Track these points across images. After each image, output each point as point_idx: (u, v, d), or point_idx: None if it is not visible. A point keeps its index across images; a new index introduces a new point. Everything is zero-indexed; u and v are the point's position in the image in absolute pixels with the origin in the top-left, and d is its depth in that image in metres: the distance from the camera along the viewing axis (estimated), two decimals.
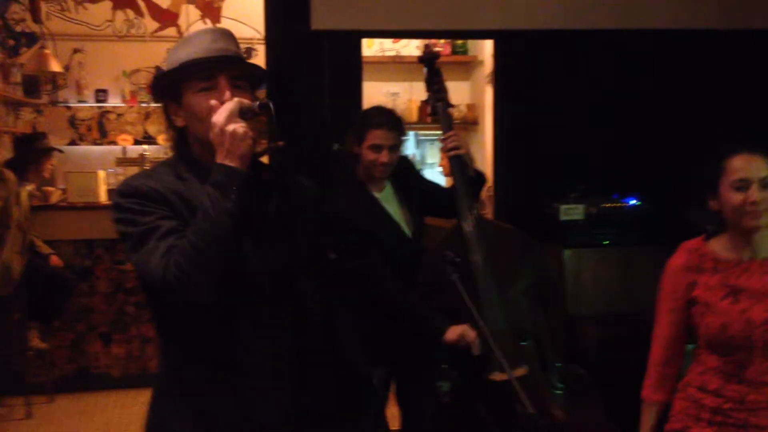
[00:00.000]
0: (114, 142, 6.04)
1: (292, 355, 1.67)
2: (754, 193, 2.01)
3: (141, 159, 5.49)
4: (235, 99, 1.53)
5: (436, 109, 2.90)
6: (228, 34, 1.69)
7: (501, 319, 2.49)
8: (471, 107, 6.29)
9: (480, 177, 2.90)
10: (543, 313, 2.65)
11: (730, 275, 2.08)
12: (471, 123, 6.20)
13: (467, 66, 6.37)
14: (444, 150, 2.83)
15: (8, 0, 5.25)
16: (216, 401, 1.62)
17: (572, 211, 3.71)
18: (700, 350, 2.14)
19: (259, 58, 6.26)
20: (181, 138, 1.68)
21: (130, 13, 4.64)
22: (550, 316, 2.68)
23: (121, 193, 1.59)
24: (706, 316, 2.07)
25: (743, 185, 2.03)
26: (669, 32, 4.00)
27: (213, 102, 1.56)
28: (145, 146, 5.70)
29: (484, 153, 5.86)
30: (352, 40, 3.87)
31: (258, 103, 1.54)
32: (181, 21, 4.92)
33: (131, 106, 6.29)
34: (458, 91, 6.18)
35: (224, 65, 1.61)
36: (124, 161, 5.61)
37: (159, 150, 5.89)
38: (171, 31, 5.00)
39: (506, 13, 3.98)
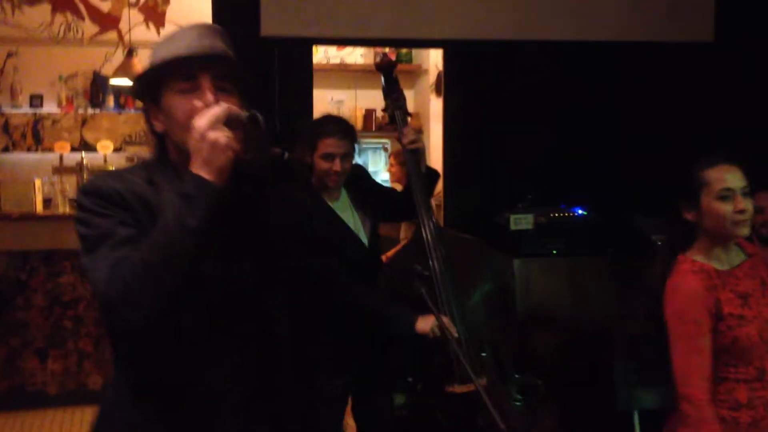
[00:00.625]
0: (50, 150, 5.83)
1: (253, 375, 1.57)
2: (741, 202, 2.04)
3: (79, 167, 5.30)
4: (224, 104, 1.40)
5: (395, 117, 2.91)
6: (217, 31, 1.55)
7: (460, 329, 2.48)
8: (415, 116, 6.30)
9: (433, 172, 2.98)
10: (501, 323, 2.65)
11: (731, 284, 2.11)
12: (415, 131, 6.20)
13: (411, 75, 6.38)
14: (403, 142, 2.85)
15: None
16: (171, 419, 1.52)
17: (522, 221, 3.73)
18: (721, 369, 2.12)
19: None
20: (160, 144, 1.55)
21: (69, 17, 4.49)
22: (508, 326, 2.68)
23: (83, 190, 1.47)
24: (743, 328, 2.08)
25: (728, 195, 2.06)
26: (616, 44, 4.07)
27: (197, 102, 1.44)
28: (83, 154, 5.51)
29: (429, 161, 5.86)
30: (303, 47, 3.82)
31: (247, 114, 1.41)
32: (122, 25, 4.78)
33: (67, 113, 6.10)
34: None
35: (207, 63, 1.47)
36: (61, 169, 5.42)
37: (97, 158, 5.72)
38: (111, 35, 4.85)
39: (456, 22, 3.99)
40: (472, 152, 4.09)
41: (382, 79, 2.95)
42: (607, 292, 3.60)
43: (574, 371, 3.31)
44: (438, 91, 5.80)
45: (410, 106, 6.24)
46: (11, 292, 4.70)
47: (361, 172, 2.96)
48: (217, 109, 1.38)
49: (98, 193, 1.44)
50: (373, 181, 3.03)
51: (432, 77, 6.01)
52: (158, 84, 1.50)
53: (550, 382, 2.86)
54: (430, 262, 2.57)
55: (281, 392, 1.62)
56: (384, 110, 2.99)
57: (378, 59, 3.04)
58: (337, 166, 2.68)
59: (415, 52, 6.31)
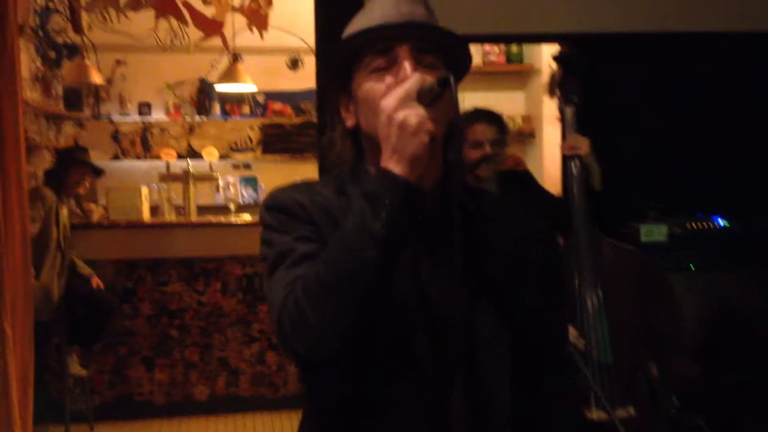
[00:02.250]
0: (157, 157, 5.85)
1: (459, 422, 1.18)
2: None
3: (185, 174, 5.27)
4: (416, 75, 1.11)
5: (564, 114, 2.79)
6: None
7: (608, 352, 2.20)
8: (526, 119, 5.99)
9: (606, 197, 2.76)
10: (658, 350, 2.35)
11: None
12: (527, 135, 5.90)
13: (522, 75, 6.07)
14: (564, 150, 2.68)
15: (49, 10, 5.08)
16: None
17: (654, 232, 3.37)
18: None
19: (307, 71, 6.09)
20: (354, 145, 1.27)
21: (174, 23, 4.43)
22: (668, 354, 2.38)
23: (265, 205, 1.25)
24: None
25: None
26: (749, 34, 3.66)
27: (388, 79, 1.16)
28: (189, 161, 5.49)
29: (541, 167, 5.54)
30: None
31: (436, 80, 1.09)
32: (227, 30, 4.70)
33: (175, 120, 6.13)
34: (513, 102, 5.89)
35: (405, 33, 1.18)
36: (167, 177, 5.41)
37: (203, 165, 5.69)
38: (215, 41, 4.78)
39: (572, 15, 3.67)
40: (597, 156, 3.76)
41: (558, 73, 2.75)
42: (754, 312, 3.21)
43: (729, 405, 2.94)
44: (552, 92, 5.46)
45: (521, 109, 6.02)
46: (118, 301, 4.68)
47: (526, 178, 2.77)
48: (408, 83, 1.10)
49: (279, 207, 1.22)
50: (539, 187, 2.82)
51: (545, 77, 5.68)
52: (348, 66, 1.23)
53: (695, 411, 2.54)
54: (576, 284, 2.29)
55: None
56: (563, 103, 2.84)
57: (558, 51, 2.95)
58: (485, 149, 2.58)
59: (527, 52, 5.99)
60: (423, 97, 1.08)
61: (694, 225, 3.44)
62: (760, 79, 3.65)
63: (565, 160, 2.66)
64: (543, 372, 1.28)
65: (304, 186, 1.26)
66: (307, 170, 5.96)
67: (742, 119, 3.67)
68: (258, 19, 4.34)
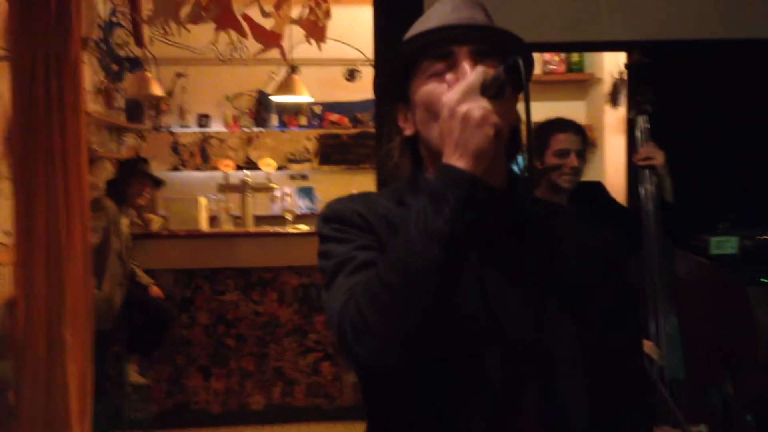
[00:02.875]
0: (215, 168, 5.91)
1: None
2: None
3: (242, 185, 5.30)
4: (479, 68, 1.07)
5: (636, 121, 2.70)
6: (478, 3, 1.21)
7: (680, 368, 2.11)
8: (588, 129, 5.86)
9: (679, 209, 2.63)
10: (734, 366, 2.25)
11: None
12: (589, 145, 5.77)
13: (583, 84, 5.96)
14: (637, 160, 2.61)
15: (112, 24, 5.18)
16: None
17: (725, 245, 3.24)
18: None
19: (364, 82, 6.08)
20: (413, 155, 1.24)
21: (233, 36, 4.45)
22: (744, 370, 2.27)
23: (322, 217, 1.22)
24: None
25: None
26: None
27: (449, 76, 1.14)
28: (246, 172, 5.53)
29: (603, 177, 5.42)
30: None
31: (503, 66, 1.05)
32: (285, 42, 4.71)
33: (233, 131, 6.18)
34: (574, 112, 5.78)
35: (465, 36, 1.15)
36: (225, 187, 5.46)
37: (260, 176, 5.72)
38: (273, 53, 4.79)
39: (637, 23, 3.56)
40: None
41: (628, 82, 2.70)
42: None
43: None
44: (614, 101, 5.34)
45: (582, 119, 5.90)
46: (177, 310, 4.72)
47: (600, 190, 2.70)
48: (470, 76, 1.06)
49: (337, 218, 1.19)
50: (612, 199, 2.75)
51: (607, 86, 5.56)
52: (405, 72, 1.20)
53: None
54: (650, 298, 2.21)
55: None
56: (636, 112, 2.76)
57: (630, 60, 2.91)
58: (573, 161, 2.52)
59: (587, 61, 5.88)
60: (487, 89, 1.04)
61: (765, 237, 3.29)
62: None
63: (637, 170, 2.56)
64: (619, 389, 1.22)
65: (362, 197, 1.24)
66: (364, 181, 5.94)
67: None
68: (316, 32, 4.34)
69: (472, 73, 1.06)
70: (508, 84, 1.06)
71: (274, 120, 6.23)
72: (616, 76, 5.27)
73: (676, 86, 3.61)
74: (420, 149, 1.23)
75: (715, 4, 3.50)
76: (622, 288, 1.27)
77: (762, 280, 3.24)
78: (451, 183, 1.00)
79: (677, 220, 3.33)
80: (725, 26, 3.53)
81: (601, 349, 1.17)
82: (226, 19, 4.18)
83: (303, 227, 5.27)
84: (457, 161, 1.01)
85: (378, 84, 1.29)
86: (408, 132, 1.22)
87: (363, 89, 5.99)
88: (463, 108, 1.02)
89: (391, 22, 3.54)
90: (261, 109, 6.19)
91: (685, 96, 3.60)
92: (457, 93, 1.04)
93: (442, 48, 1.15)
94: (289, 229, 5.27)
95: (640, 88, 2.71)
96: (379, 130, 3.31)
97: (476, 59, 1.14)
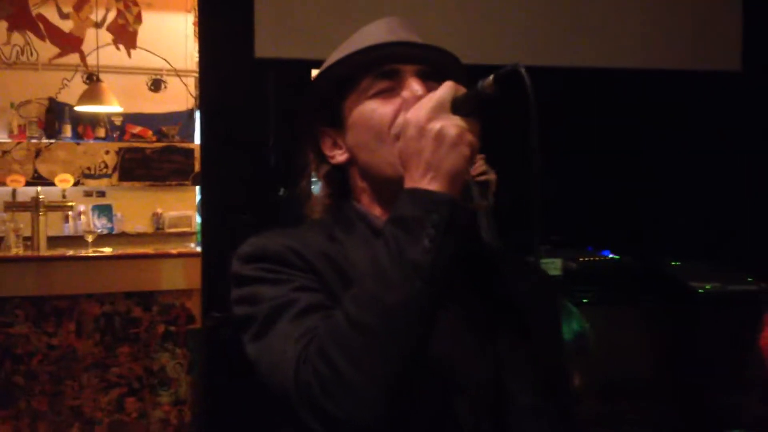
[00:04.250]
0: (2, 184, 5.29)
1: None
2: None
3: (34, 203, 4.76)
4: (449, 83, 0.96)
5: None
6: (413, 26, 1.12)
7: None
8: None
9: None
10: None
11: None
12: None
13: None
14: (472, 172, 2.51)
15: None
16: None
17: (549, 267, 3.33)
18: None
19: (170, 93, 5.74)
20: (340, 186, 1.13)
21: (26, 37, 3.99)
22: None
23: (241, 257, 1.04)
24: None
25: None
26: (639, 71, 3.73)
27: (405, 92, 1.04)
28: (39, 188, 4.98)
29: None
30: (302, 70, 3.38)
31: (492, 76, 0.93)
32: (86, 47, 4.30)
33: (19, 142, 5.59)
34: None
35: (411, 54, 1.06)
36: (13, 205, 4.88)
37: (55, 193, 5.19)
38: (72, 58, 4.36)
39: (465, 48, 3.60)
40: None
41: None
42: (649, 348, 3.23)
43: None
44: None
45: None
46: None
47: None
48: (440, 91, 0.95)
49: (264, 255, 1.02)
50: None
51: None
52: (340, 93, 1.08)
53: None
54: None
55: None
56: None
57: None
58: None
59: None
60: (459, 106, 0.94)
61: (588, 259, 3.43)
62: (643, 116, 3.73)
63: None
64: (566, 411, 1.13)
65: (289, 232, 1.07)
66: (169, 199, 5.61)
67: (626, 153, 3.73)
68: (125, 36, 3.99)
69: (441, 88, 0.96)
70: (496, 98, 0.94)
71: (68, 131, 5.71)
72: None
73: (497, 114, 3.69)
74: (351, 178, 1.11)
75: (536, 34, 3.62)
76: (558, 321, 1.21)
77: (584, 300, 3.37)
78: (427, 207, 0.89)
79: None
80: (546, 54, 3.66)
81: (552, 377, 1.10)
82: (20, 19, 3.73)
83: (106, 249, 4.85)
84: (429, 184, 0.91)
85: (306, 105, 1.14)
86: (339, 159, 1.11)
87: (169, 100, 5.71)
88: (436, 125, 0.92)
89: (218, 25, 3.32)
90: (52, 118, 5.64)
91: (505, 123, 3.69)
92: (425, 110, 0.93)
93: (387, 65, 1.06)
94: (89, 252, 4.81)
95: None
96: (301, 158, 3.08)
97: (423, 80, 1.05)
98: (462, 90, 0.96)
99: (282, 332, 0.94)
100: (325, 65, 1.12)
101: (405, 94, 1.04)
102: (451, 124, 0.92)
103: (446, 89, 0.95)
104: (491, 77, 0.93)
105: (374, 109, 1.05)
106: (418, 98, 0.99)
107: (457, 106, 0.94)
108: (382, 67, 1.06)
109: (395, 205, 0.92)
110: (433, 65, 1.08)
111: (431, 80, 1.05)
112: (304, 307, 0.95)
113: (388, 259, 0.88)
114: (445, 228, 0.89)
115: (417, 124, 0.93)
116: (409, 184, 0.92)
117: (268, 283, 0.99)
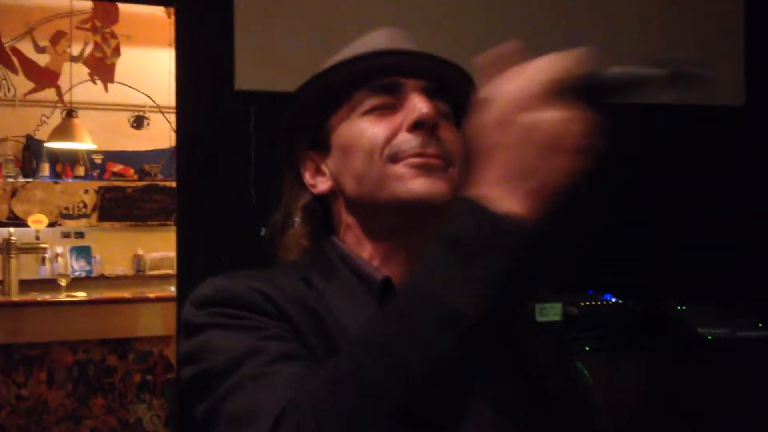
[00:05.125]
0: None
1: None
2: None
3: (6, 245, 4.55)
4: (557, 56, 0.65)
5: None
6: (415, 39, 0.93)
7: None
8: None
9: None
10: None
11: None
12: None
13: None
14: None
15: None
16: None
17: (549, 311, 3.14)
18: None
19: (153, 130, 5.58)
20: (323, 216, 0.95)
21: (3, 72, 3.83)
22: None
23: (196, 301, 0.82)
24: None
25: None
26: (641, 107, 3.59)
27: (390, 121, 0.86)
28: (11, 229, 4.77)
29: None
30: (283, 102, 3.22)
31: (674, 71, 0.61)
32: (63, 81, 4.13)
33: None
34: None
35: (415, 67, 0.88)
36: None
37: (28, 234, 4.97)
38: (48, 93, 4.19)
39: None
40: None
41: None
42: (654, 397, 3.04)
43: None
44: None
45: None
46: None
47: None
48: (545, 63, 0.64)
49: (226, 298, 0.80)
50: None
51: None
52: (326, 108, 0.91)
53: None
54: None
55: None
56: None
57: None
58: None
59: None
60: (581, 89, 0.64)
61: (589, 303, 3.25)
62: (644, 153, 3.58)
63: None
64: None
65: (258, 274, 0.86)
66: (152, 240, 5.40)
67: (625, 192, 3.58)
68: (103, 70, 3.82)
69: (546, 60, 0.65)
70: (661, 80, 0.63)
71: (46, 169, 5.51)
72: None
73: None
74: (335, 212, 0.93)
75: None
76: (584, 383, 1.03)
77: (586, 348, 3.17)
78: (496, 234, 0.61)
79: None
80: None
81: None
82: None
83: (80, 294, 4.64)
84: (505, 199, 0.62)
85: (287, 123, 0.96)
86: (321, 188, 0.93)
87: (151, 137, 5.55)
88: (532, 118, 0.63)
89: (198, 56, 3.17)
90: (29, 156, 5.45)
91: None
92: (516, 87, 0.64)
93: (386, 78, 0.88)
94: (63, 297, 4.59)
95: None
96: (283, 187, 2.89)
97: (428, 98, 0.86)
98: (585, 67, 0.65)
99: (248, 376, 0.71)
100: (306, 83, 0.93)
101: (390, 121, 0.86)
102: (561, 117, 0.63)
103: (557, 61, 0.64)
104: (669, 70, 0.63)
105: (365, 129, 0.87)
106: (430, 113, 0.81)
107: (577, 89, 0.64)
108: (380, 79, 0.88)
109: (452, 218, 0.64)
110: (441, 81, 0.89)
111: (438, 99, 0.87)
112: (275, 356, 0.73)
113: (422, 294, 0.63)
114: (517, 268, 0.62)
115: (505, 106, 0.63)
116: (474, 188, 0.64)
117: (230, 330, 0.77)
